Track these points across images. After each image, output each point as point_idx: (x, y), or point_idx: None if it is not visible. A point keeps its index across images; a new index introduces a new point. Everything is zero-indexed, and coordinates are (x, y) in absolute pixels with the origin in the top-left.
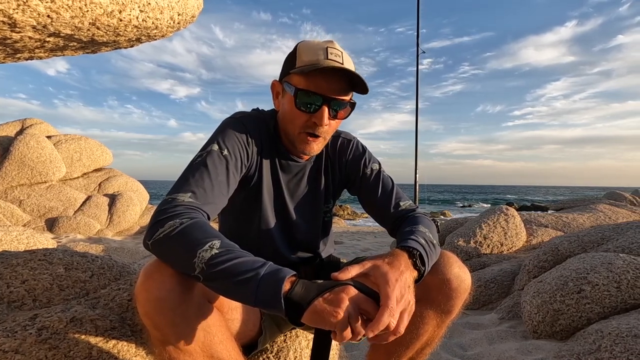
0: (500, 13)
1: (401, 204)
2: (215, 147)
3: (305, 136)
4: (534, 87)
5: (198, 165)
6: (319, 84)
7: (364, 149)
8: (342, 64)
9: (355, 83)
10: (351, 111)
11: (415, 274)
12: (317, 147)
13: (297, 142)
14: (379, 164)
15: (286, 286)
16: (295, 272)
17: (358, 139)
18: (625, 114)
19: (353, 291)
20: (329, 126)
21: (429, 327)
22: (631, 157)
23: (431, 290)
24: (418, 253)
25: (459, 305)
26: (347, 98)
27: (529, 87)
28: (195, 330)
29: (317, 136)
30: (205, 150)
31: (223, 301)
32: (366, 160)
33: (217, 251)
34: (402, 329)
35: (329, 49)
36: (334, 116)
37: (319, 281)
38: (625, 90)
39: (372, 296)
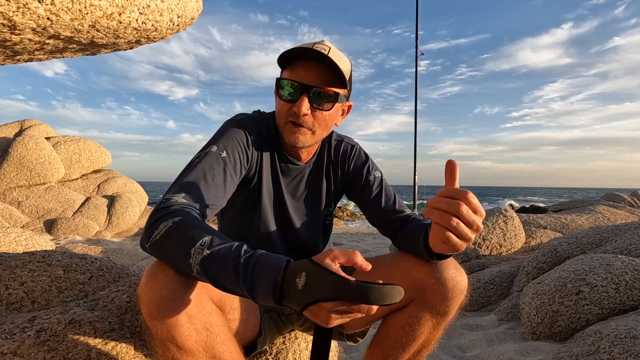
0: (496, 15)
1: (405, 210)
2: (214, 148)
3: (291, 125)
4: (531, 89)
5: (195, 166)
6: (298, 73)
7: (367, 156)
8: (327, 54)
9: (340, 76)
10: (335, 104)
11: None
12: (302, 138)
13: (284, 133)
14: (381, 172)
15: (276, 294)
16: (283, 264)
17: (360, 145)
18: (623, 116)
19: (329, 306)
20: (313, 118)
21: (425, 328)
22: (629, 158)
23: (426, 291)
24: None
25: (455, 306)
26: (330, 89)
27: (526, 89)
28: (198, 329)
29: (300, 125)
30: (204, 151)
31: (224, 301)
32: (369, 167)
33: (208, 252)
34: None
35: (315, 43)
36: (316, 107)
37: (301, 283)
38: (622, 91)
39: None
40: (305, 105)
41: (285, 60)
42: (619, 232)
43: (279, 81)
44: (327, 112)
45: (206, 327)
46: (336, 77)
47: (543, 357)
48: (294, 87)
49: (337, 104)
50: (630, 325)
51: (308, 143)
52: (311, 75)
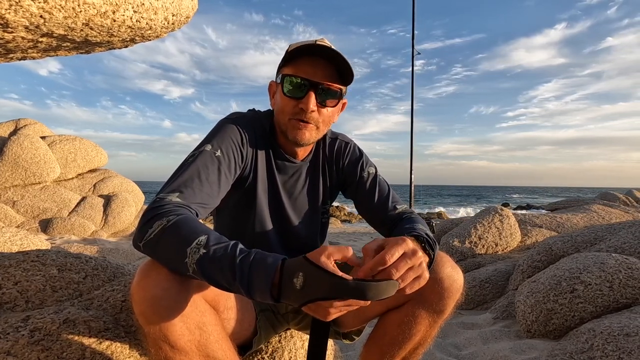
0: (490, 15)
1: (397, 207)
2: (209, 147)
3: (296, 122)
4: (526, 89)
5: (189, 165)
6: (305, 70)
7: (361, 152)
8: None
9: (343, 72)
10: (339, 101)
11: (426, 258)
12: (308, 134)
13: (288, 130)
14: (375, 168)
15: (274, 292)
16: (279, 263)
17: (355, 142)
18: (617, 116)
19: (327, 303)
20: (318, 114)
21: (422, 326)
22: (624, 158)
23: (423, 290)
24: (424, 239)
25: (451, 305)
26: (335, 85)
27: (521, 89)
28: (191, 329)
29: (307, 122)
30: (198, 150)
31: (219, 300)
32: (363, 164)
33: (204, 251)
34: (403, 282)
35: (317, 40)
36: (321, 103)
37: (298, 283)
38: (615, 91)
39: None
40: (312, 102)
41: (291, 56)
42: (613, 231)
43: (284, 77)
44: (332, 108)
45: (199, 326)
46: (340, 74)
47: (538, 355)
48: (301, 84)
49: (340, 101)
50: (623, 323)
51: (312, 139)
52: (318, 72)
